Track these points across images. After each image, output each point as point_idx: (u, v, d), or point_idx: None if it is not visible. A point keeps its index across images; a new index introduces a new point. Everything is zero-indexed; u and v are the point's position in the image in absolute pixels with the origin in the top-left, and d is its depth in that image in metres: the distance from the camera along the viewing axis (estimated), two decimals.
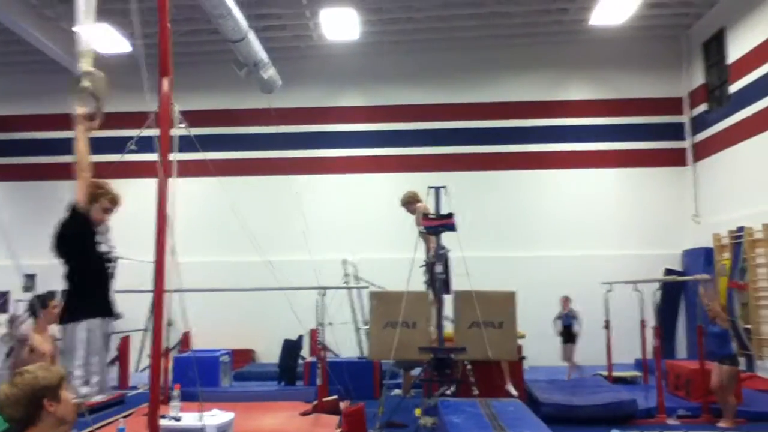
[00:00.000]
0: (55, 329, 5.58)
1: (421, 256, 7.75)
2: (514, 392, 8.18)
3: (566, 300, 11.17)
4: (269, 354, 12.89)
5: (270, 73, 11.47)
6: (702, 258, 12.66)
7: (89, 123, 4.12)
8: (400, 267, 7.80)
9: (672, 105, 14.31)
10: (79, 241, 4.04)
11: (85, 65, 4.21)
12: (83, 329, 3.96)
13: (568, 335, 10.98)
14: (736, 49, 12.15)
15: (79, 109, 4.07)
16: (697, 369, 8.15)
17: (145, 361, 12.05)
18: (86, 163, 4.03)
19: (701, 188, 13.73)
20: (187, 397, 6.34)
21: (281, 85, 12.13)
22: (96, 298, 4.12)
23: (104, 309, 4.24)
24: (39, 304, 5.58)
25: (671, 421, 7.83)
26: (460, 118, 14.54)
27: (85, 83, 4.14)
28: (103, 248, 4.18)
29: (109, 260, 4.22)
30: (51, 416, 2.51)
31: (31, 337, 5.36)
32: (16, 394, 2.44)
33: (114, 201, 4.29)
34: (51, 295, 8.56)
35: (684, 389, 8.75)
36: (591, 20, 12.80)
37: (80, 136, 4.06)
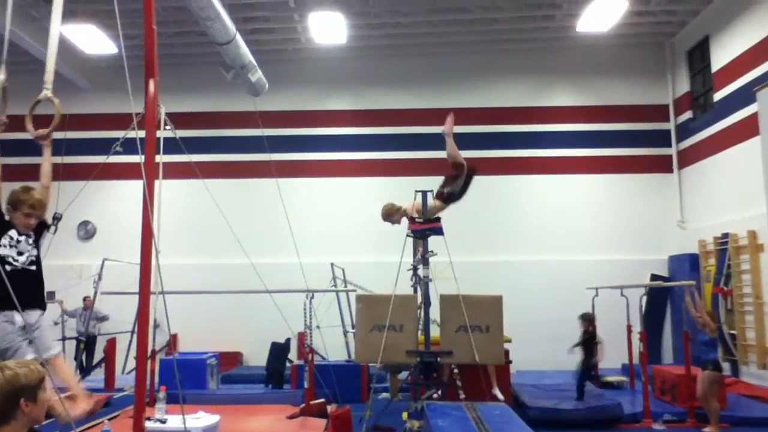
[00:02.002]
0: None
1: (408, 259, 7.76)
2: (500, 396, 8.20)
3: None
4: (257, 357, 12.85)
5: (257, 76, 11.43)
6: (687, 264, 12.76)
7: (45, 133, 4.35)
8: (387, 270, 7.81)
9: (657, 112, 14.44)
10: None
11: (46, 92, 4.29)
12: None
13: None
14: (720, 57, 12.29)
15: (34, 130, 4.27)
16: (683, 374, 8.21)
17: (132, 363, 11.94)
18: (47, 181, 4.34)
19: (686, 195, 13.85)
20: (173, 400, 6.30)
21: (268, 88, 12.12)
22: None
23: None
24: None
25: (657, 426, 7.87)
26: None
27: (45, 94, 4.26)
28: (3, 251, 4.27)
29: (11, 264, 4.27)
30: (25, 416, 2.48)
31: None
32: None
33: (34, 206, 4.36)
34: None
35: (670, 394, 8.81)
36: (577, 27, 12.91)
37: (47, 155, 4.34)
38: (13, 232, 4.32)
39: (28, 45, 12.06)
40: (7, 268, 4.22)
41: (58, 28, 4.43)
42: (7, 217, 4.32)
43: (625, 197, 14.19)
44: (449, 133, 7.44)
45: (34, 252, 4.44)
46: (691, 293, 8.36)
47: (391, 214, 7.66)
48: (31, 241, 4.42)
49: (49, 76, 4.31)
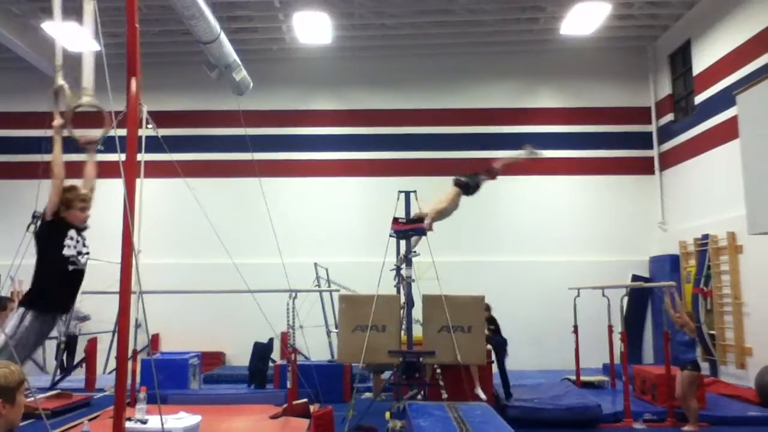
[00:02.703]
0: None
1: (391, 259, 7.78)
2: (483, 396, 8.22)
3: None
4: (239, 357, 12.79)
5: (241, 75, 11.39)
6: (668, 265, 12.88)
7: (95, 139, 4.54)
8: (370, 270, 7.82)
9: (639, 114, 14.57)
10: (46, 246, 4.41)
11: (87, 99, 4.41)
12: (20, 317, 4.23)
13: None
14: (701, 61, 12.43)
15: (59, 120, 4.35)
16: (663, 374, 8.29)
17: (113, 364, 11.85)
18: (60, 171, 4.34)
19: (667, 196, 13.99)
20: (153, 400, 6.27)
21: (252, 87, 12.09)
22: (53, 296, 4.40)
23: (57, 306, 4.56)
24: (2, 304, 5.49)
25: (637, 425, 7.94)
26: (430, 124, 14.62)
27: (88, 100, 4.38)
28: (69, 251, 4.39)
29: (74, 263, 4.42)
30: (1, 418, 2.45)
31: None
32: None
33: (84, 200, 4.54)
34: (8, 298, 8.42)
35: (650, 393, 8.89)
36: (561, 30, 13.00)
37: (59, 144, 4.36)
38: (72, 232, 4.42)
39: (9, 42, 11.92)
40: (70, 268, 4.39)
41: (91, 25, 4.60)
42: (63, 215, 4.41)
43: (607, 198, 14.29)
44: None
45: (87, 250, 4.55)
46: (671, 294, 8.45)
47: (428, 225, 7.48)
48: (86, 241, 4.54)
49: (87, 80, 4.39)
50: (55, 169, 4.33)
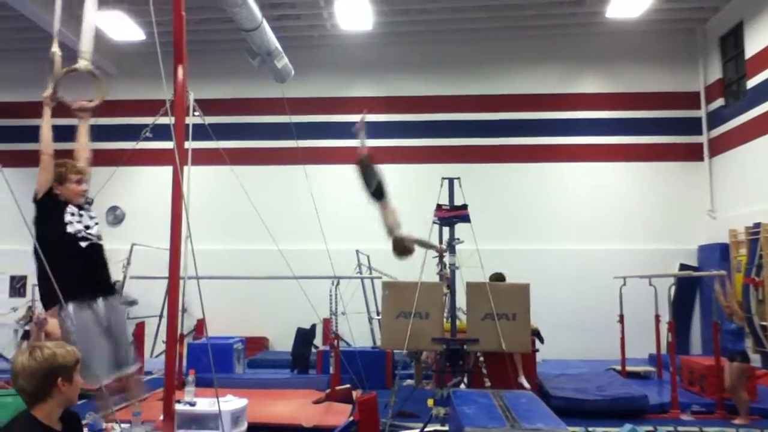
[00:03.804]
0: None
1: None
2: (526, 385, 8.18)
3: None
4: (282, 342, 12.93)
5: (283, 62, 11.42)
6: (717, 254, 12.56)
7: (88, 106, 4.21)
8: (413, 257, 7.80)
9: (688, 99, 14.17)
10: (46, 228, 4.02)
11: (84, 62, 4.15)
12: (64, 320, 3.88)
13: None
14: (754, 43, 12.01)
15: (48, 89, 4.02)
16: (712, 365, 8.10)
17: (160, 347, 12.13)
18: (48, 145, 3.98)
19: (717, 183, 13.61)
20: (201, 383, 6.39)
21: (294, 75, 12.14)
22: (78, 279, 3.99)
23: (90, 287, 4.10)
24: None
25: (685, 417, 7.79)
26: (472, 110, 14.48)
27: (84, 64, 4.11)
28: (74, 227, 4.05)
29: (86, 238, 4.06)
30: (61, 395, 2.52)
31: (47, 321, 5.39)
32: (33, 367, 2.45)
33: (80, 171, 4.21)
34: None
35: (698, 385, 8.70)
36: (607, 13, 12.72)
37: (47, 116, 4.02)
38: (72, 208, 4.11)
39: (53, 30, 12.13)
40: (83, 244, 4.02)
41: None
42: (57, 192, 4.11)
43: (654, 186, 13.98)
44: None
45: (96, 221, 4.21)
46: (722, 282, 8.24)
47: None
48: (92, 214, 4.21)
49: (86, 43, 4.12)
50: (42, 143, 4.01)
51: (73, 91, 4.32)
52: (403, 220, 12.85)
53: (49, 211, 4.02)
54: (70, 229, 4.02)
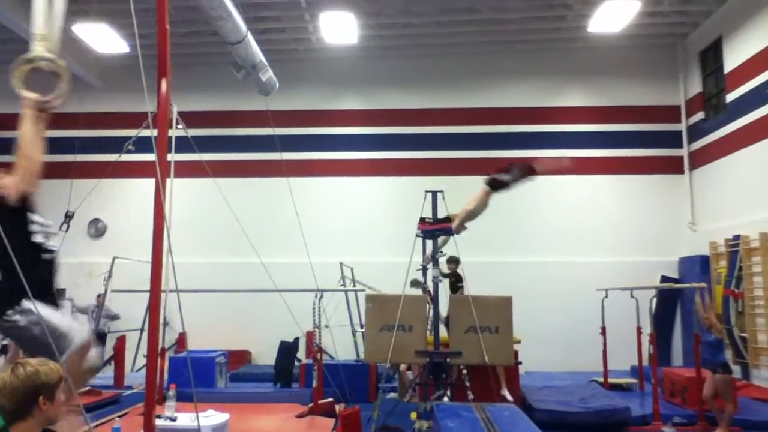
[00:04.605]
0: None
1: (416, 259, 7.77)
2: (509, 398, 8.19)
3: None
4: (265, 356, 12.88)
5: (268, 75, 11.46)
6: (698, 266, 12.69)
7: (47, 103, 3.60)
8: (396, 270, 7.82)
9: (669, 113, 14.36)
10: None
11: (40, 49, 3.60)
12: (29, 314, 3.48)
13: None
14: (733, 58, 12.21)
15: (28, 93, 3.57)
16: (693, 377, 8.15)
17: (141, 361, 12.00)
18: (30, 151, 3.49)
19: (697, 196, 13.77)
20: (182, 398, 6.33)
21: (279, 87, 12.17)
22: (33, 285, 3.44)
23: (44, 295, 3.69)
24: None
25: (666, 429, 7.81)
26: (456, 123, 14.57)
27: (39, 53, 3.61)
28: (38, 238, 3.68)
29: (47, 251, 3.72)
30: (41, 414, 2.48)
31: None
32: (15, 385, 2.41)
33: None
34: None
35: (680, 396, 8.75)
36: (589, 27, 12.88)
37: (27, 120, 3.54)
38: (36, 216, 3.68)
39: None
40: (47, 257, 3.68)
41: None
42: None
43: (635, 198, 14.12)
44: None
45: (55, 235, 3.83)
46: (701, 295, 8.32)
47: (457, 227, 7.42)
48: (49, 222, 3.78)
49: (39, 23, 3.54)
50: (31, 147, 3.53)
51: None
52: (385, 234, 12.95)
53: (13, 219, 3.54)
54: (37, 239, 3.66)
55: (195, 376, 8.27)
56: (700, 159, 13.65)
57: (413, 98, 14.72)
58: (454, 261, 8.82)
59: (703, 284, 8.79)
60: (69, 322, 3.75)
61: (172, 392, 6.24)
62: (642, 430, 7.86)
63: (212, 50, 13.92)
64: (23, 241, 3.55)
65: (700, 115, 13.74)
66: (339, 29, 12.69)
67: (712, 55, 13.40)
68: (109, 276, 11.56)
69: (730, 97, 12.30)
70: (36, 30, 3.58)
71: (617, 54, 14.31)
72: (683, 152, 14.15)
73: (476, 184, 14.08)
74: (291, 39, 14.00)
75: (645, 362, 10.01)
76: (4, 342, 11.91)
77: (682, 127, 14.23)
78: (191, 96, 13.58)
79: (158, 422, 4.96)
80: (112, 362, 11.28)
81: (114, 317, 12.79)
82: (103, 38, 12.69)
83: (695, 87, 13.93)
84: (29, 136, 3.50)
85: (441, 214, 7.54)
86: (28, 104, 3.51)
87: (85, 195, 8.16)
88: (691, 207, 13.87)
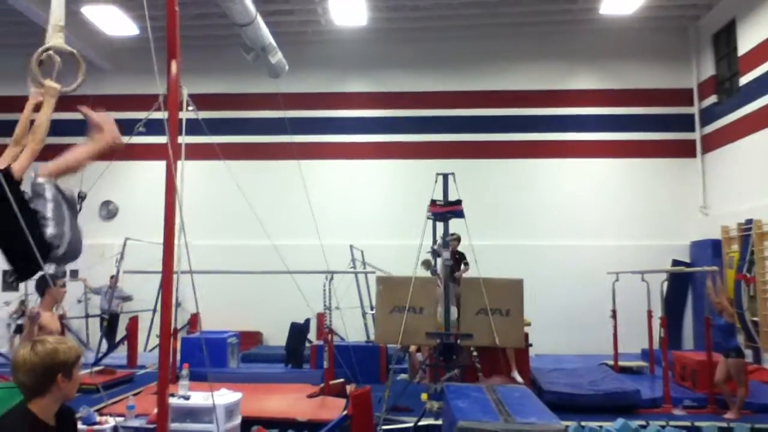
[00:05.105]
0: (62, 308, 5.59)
1: (427, 242, 7.78)
2: (519, 379, 8.21)
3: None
4: (276, 337, 12.96)
5: (277, 57, 11.44)
6: (710, 250, 12.62)
7: (68, 89, 3.64)
8: (405, 252, 7.82)
9: (681, 96, 14.22)
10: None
11: (60, 40, 3.65)
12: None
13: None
14: (747, 40, 12.05)
15: (51, 82, 3.58)
16: (704, 360, 8.15)
17: (154, 341, 12.10)
18: (43, 137, 3.49)
19: (709, 180, 13.68)
20: (194, 377, 6.39)
21: (288, 70, 12.13)
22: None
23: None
24: (46, 283, 5.58)
25: (677, 412, 7.83)
26: (466, 106, 14.50)
27: (59, 44, 3.64)
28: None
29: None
30: (59, 391, 2.51)
31: (41, 314, 5.38)
32: (34, 361, 2.44)
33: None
34: (59, 274, 8.61)
35: (690, 380, 8.75)
36: (600, 10, 12.75)
37: (48, 107, 3.56)
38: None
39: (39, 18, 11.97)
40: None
41: None
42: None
43: (647, 182, 14.04)
44: None
45: None
46: (713, 278, 8.29)
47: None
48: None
49: (57, 16, 3.66)
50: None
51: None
52: (395, 216, 12.92)
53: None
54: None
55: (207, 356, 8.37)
56: (712, 143, 13.54)
57: (423, 81, 14.65)
58: (456, 239, 8.75)
59: (714, 268, 8.76)
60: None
61: (185, 371, 6.29)
62: (652, 412, 7.87)
63: (222, 33, 13.89)
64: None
65: (712, 99, 13.61)
66: (348, 11, 12.63)
67: (725, 38, 13.24)
68: (121, 257, 11.66)
69: (744, 80, 12.16)
70: (54, 21, 3.64)
71: (629, 36, 14.17)
72: (695, 136, 14.03)
73: (486, 167, 14.21)
74: (300, 21, 13.93)
75: (655, 346, 10.00)
76: (20, 321, 12.05)
77: (694, 110, 14.11)
78: (201, 78, 13.57)
79: (172, 401, 5.01)
80: (125, 342, 11.40)
81: (126, 298, 12.91)
82: (113, 20, 12.68)
83: (708, 70, 13.78)
84: (47, 123, 3.52)
85: (452, 197, 7.51)
86: (51, 93, 3.53)
87: (96, 177, 8.18)
88: (703, 191, 13.78)
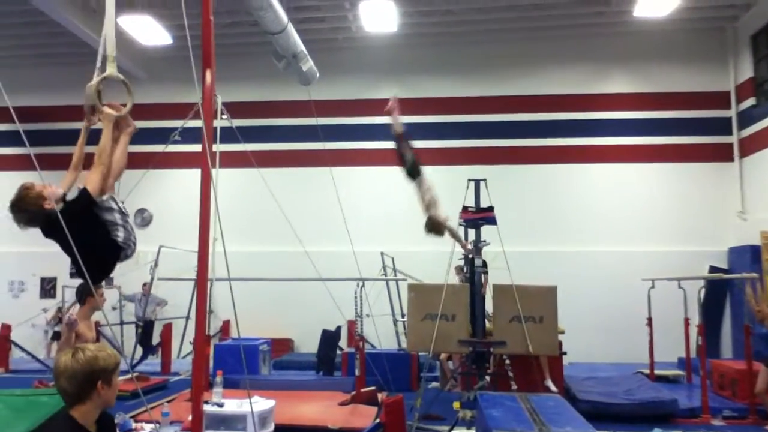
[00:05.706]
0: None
1: (457, 249, 7.73)
2: (553, 388, 8.10)
3: None
4: (307, 344, 13.00)
5: (308, 65, 11.48)
6: (748, 256, 12.33)
7: (119, 114, 3.98)
8: (436, 259, 7.77)
9: (718, 99, 13.96)
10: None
11: (112, 70, 3.98)
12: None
13: None
14: None
15: (108, 109, 3.90)
16: (744, 369, 7.96)
17: (187, 348, 12.24)
18: (105, 159, 3.83)
19: (748, 184, 13.39)
20: (228, 384, 6.43)
21: (319, 77, 12.19)
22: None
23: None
24: (88, 291, 5.66)
25: (716, 422, 7.65)
26: (498, 111, 14.42)
27: (113, 74, 3.97)
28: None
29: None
30: (99, 398, 2.56)
31: (77, 322, 5.45)
32: (75, 368, 2.50)
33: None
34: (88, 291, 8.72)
35: (729, 389, 8.55)
36: (634, 12, 12.60)
37: (107, 131, 3.89)
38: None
39: (86, 36, 12.37)
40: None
41: None
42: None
43: (683, 187, 13.79)
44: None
45: None
46: (753, 285, 8.09)
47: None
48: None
49: (111, 47, 3.96)
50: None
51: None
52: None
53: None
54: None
55: (239, 363, 8.42)
56: (750, 146, 13.25)
57: (454, 86, 14.61)
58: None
59: (754, 274, 8.54)
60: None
61: (219, 378, 6.33)
62: (690, 422, 7.70)
63: (253, 41, 14.03)
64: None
65: (751, 101, 13.33)
66: (379, 17, 12.66)
67: (764, 39, 12.96)
68: (155, 264, 11.80)
69: None
70: (108, 52, 3.96)
71: (664, 39, 13.95)
72: (733, 139, 13.75)
73: (518, 172, 14.08)
74: (331, 28, 14.01)
75: (693, 354, 9.80)
76: (57, 328, 12.27)
77: (731, 113, 13.83)
78: (234, 86, 13.70)
79: (206, 408, 5.04)
80: (159, 349, 11.53)
81: (162, 302, 13.08)
82: (147, 30, 12.89)
83: (746, 72, 13.50)
84: (109, 144, 3.92)
85: (484, 203, 7.46)
86: (110, 119, 3.89)
87: (131, 185, 8.32)
88: (741, 196, 13.49)
